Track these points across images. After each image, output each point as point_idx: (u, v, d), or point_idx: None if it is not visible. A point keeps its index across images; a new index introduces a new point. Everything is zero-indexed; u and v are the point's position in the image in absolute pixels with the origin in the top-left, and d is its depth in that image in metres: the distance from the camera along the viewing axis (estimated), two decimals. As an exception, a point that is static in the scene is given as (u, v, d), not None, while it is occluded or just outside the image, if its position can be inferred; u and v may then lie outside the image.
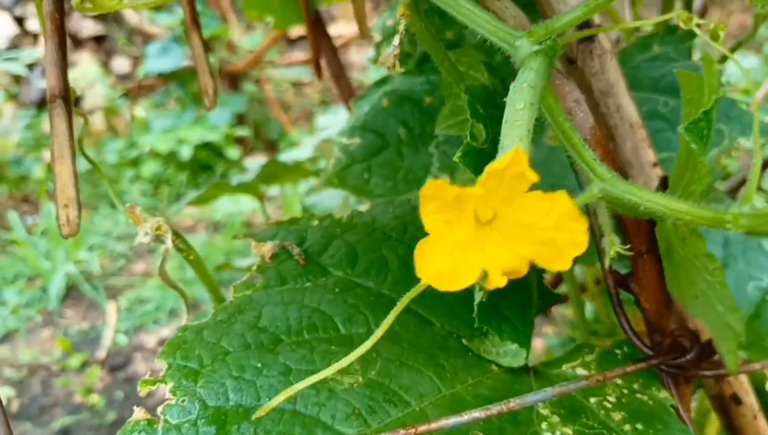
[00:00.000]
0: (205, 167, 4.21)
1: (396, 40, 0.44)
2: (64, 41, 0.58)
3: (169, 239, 0.56)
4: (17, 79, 4.70)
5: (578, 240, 0.33)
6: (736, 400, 0.69)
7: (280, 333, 0.51)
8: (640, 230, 0.50)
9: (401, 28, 0.44)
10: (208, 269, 0.59)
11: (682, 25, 0.66)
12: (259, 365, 0.48)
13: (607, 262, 0.47)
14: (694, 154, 0.40)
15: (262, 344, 0.50)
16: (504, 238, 0.35)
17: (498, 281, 0.34)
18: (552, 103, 0.42)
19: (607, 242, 0.45)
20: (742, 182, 1.08)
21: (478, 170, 0.43)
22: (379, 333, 0.39)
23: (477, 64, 0.49)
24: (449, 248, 0.34)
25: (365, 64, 4.39)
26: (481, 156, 0.43)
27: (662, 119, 0.77)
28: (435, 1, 0.43)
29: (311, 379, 0.42)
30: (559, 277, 1.00)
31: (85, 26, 4.94)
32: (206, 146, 4.13)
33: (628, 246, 0.46)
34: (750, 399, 0.70)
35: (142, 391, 0.47)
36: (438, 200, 0.32)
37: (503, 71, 0.47)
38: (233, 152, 4.17)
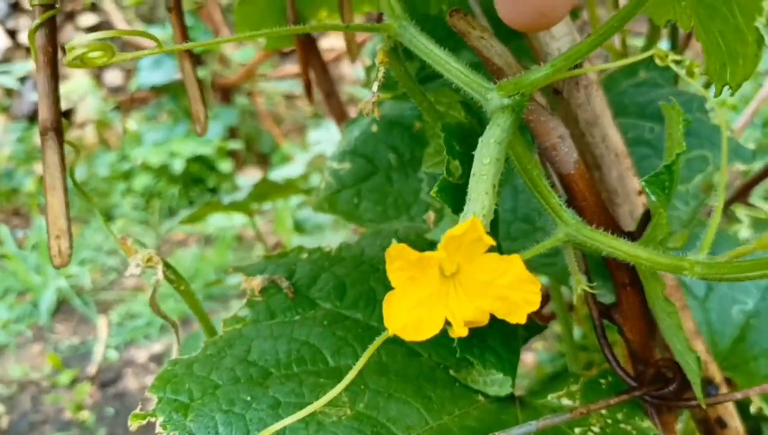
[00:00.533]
0: (197, 180, 4.21)
1: (375, 87, 0.45)
2: (57, 73, 0.58)
3: (160, 271, 0.57)
4: (9, 91, 4.69)
5: (531, 299, 0.36)
6: (721, 423, 0.70)
7: (270, 366, 0.52)
8: (622, 262, 0.51)
9: (380, 75, 0.45)
10: (199, 301, 0.60)
11: (658, 62, 0.68)
12: (249, 399, 0.49)
13: (575, 299, 0.48)
14: (656, 204, 0.42)
15: (251, 378, 0.50)
16: (466, 292, 0.37)
17: (460, 331, 0.37)
18: (520, 151, 0.44)
19: (574, 281, 0.46)
20: (732, 200, 1.10)
21: (454, 204, 0.44)
22: (353, 372, 0.41)
23: (455, 104, 0.50)
24: (414, 302, 0.36)
25: (356, 78, 4.41)
26: (456, 191, 0.44)
27: (648, 145, 0.78)
28: (413, 50, 0.44)
29: (299, 414, 0.42)
30: (546, 296, 1.01)
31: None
32: (198, 159, 4.14)
33: (595, 283, 0.48)
34: (735, 422, 0.71)
35: (133, 425, 0.47)
36: (402, 260, 0.35)
37: (480, 111, 0.48)
38: (225, 165, 4.17)
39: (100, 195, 4.21)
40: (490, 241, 0.35)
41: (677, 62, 0.60)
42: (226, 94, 4.27)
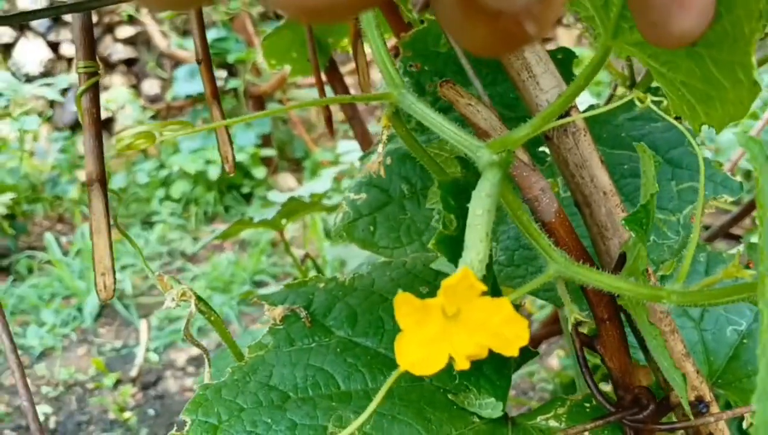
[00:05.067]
0: (232, 187, 4.33)
1: (380, 148, 0.51)
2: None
3: (192, 304, 0.64)
4: (51, 103, 4.88)
5: (521, 335, 0.42)
6: (713, 439, 0.75)
7: (288, 391, 0.59)
8: (601, 300, 0.57)
9: (384, 137, 0.51)
10: (229, 333, 0.67)
11: (638, 104, 0.73)
12: (269, 421, 0.56)
13: (569, 328, 0.54)
14: (635, 239, 0.48)
15: (272, 401, 0.58)
16: (466, 330, 0.43)
17: (462, 365, 0.43)
18: (511, 200, 0.50)
19: (567, 312, 0.52)
20: (732, 223, 1.14)
21: (449, 254, 0.50)
22: (373, 405, 0.47)
23: (452, 159, 0.56)
24: (421, 342, 0.42)
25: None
26: (452, 241, 0.50)
27: (643, 177, 0.83)
28: (411, 113, 0.51)
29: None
30: (555, 317, 1.06)
31: (117, 50, 5.10)
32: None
33: (585, 313, 0.53)
34: (726, 438, 0.76)
35: (169, 444, 0.55)
36: (408, 306, 0.41)
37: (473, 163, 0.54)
38: (259, 172, 4.29)
39: (139, 201, 4.36)
40: (482, 287, 0.41)
41: (657, 103, 0.65)
42: (259, 102, 4.38)
